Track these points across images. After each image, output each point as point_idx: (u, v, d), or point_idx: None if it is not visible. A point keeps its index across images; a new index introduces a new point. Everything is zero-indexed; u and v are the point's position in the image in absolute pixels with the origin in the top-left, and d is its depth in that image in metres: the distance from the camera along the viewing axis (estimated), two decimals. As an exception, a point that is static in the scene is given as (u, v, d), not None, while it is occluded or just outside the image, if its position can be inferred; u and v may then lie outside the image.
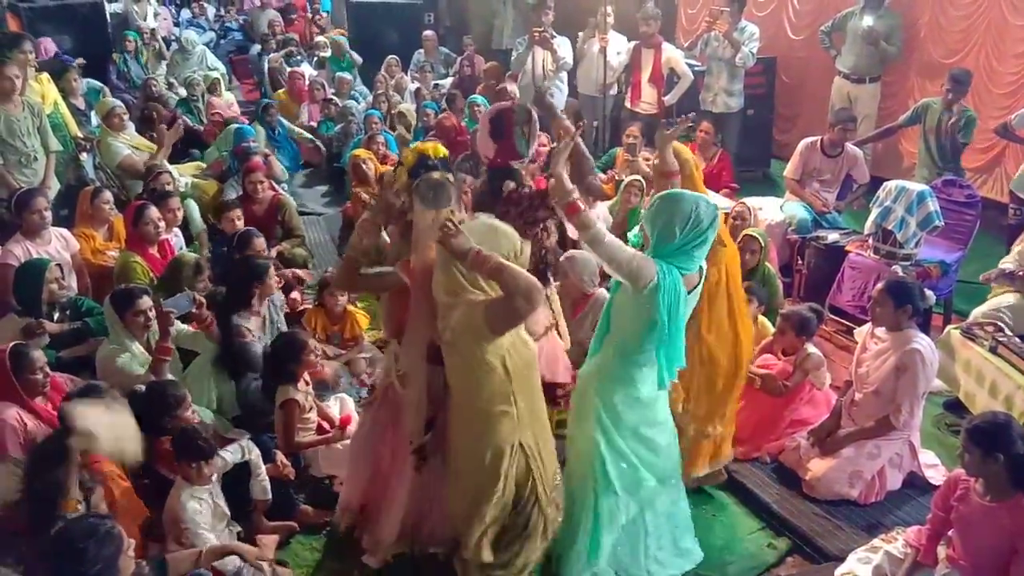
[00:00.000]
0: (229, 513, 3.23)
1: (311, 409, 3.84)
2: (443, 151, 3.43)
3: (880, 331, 3.68)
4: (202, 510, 3.07)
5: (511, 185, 3.40)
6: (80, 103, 6.61)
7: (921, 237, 4.70)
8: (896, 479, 3.67)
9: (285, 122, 7.85)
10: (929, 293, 4.29)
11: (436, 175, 2.98)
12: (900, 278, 3.87)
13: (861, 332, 3.85)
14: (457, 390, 2.80)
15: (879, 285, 3.75)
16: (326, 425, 3.90)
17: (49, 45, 7.98)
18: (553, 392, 3.41)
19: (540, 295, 2.63)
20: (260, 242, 4.70)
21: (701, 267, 2.89)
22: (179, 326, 3.70)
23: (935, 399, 4.26)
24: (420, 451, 2.98)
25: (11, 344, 3.24)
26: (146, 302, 3.73)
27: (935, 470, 3.75)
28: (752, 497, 3.70)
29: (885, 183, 4.91)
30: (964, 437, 2.77)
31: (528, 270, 2.65)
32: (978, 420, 2.82)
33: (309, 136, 7.99)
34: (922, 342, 3.57)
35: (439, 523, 3.11)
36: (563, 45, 7.01)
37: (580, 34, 7.42)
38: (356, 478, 3.33)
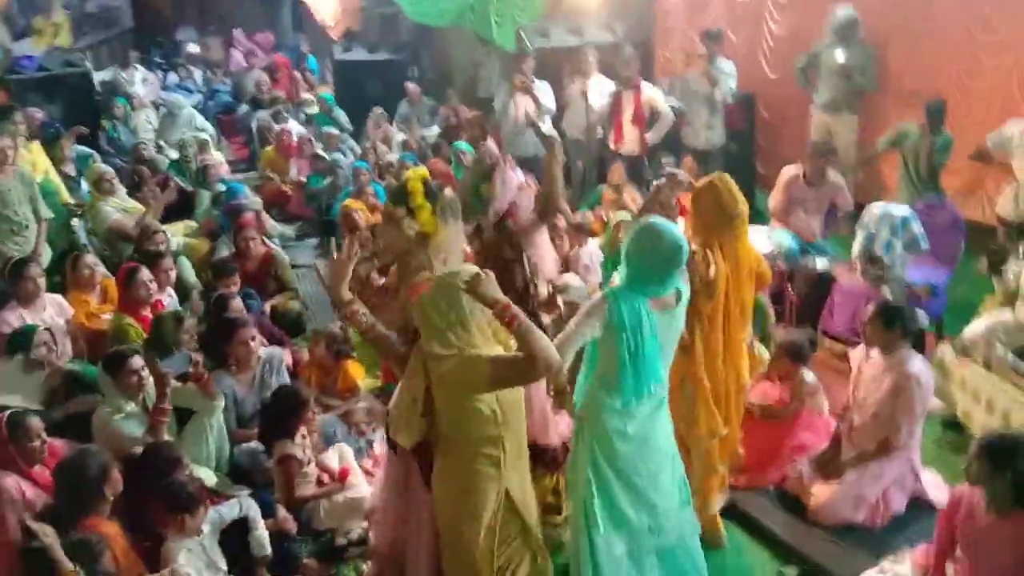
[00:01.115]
0: (225, 568, 3.20)
1: (310, 462, 3.83)
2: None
3: (874, 354, 3.70)
4: (193, 562, 3.05)
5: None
6: (71, 170, 6.69)
7: (908, 260, 4.75)
8: (900, 501, 3.67)
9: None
10: (921, 314, 4.33)
11: (448, 191, 3.00)
12: (887, 302, 3.91)
13: (855, 356, 3.87)
14: (442, 436, 2.75)
15: (870, 307, 3.79)
16: (325, 477, 3.88)
17: (36, 115, 8.08)
18: (543, 455, 3.40)
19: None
20: (237, 303, 4.71)
21: (678, 289, 2.94)
22: (175, 385, 3.70)
23: (934, 418, 4.27)
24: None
25: (8, 412, 3.24)
26: (137, 361, 3.73)
27: (938, 490, 3.74)
28: (759, 526, 3.70)
29: (869, 208, 4.99)
30: (976, 448, 2.81)
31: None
32: (993, 434, 2.89)
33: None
34: (917, 363, 3.60)
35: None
36: (544, 91, 7.15)
37: (565, 80, 7.57)
38: (384, 523, 3.25)
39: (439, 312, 2.59)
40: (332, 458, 4.02)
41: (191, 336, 4.33)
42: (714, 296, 3.32)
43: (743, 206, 3.41)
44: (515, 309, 2.50)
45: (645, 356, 2.83)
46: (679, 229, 2.97)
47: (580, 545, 2.97)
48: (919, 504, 3.70)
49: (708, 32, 7.04)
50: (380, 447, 3.94)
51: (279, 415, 3.77)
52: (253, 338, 4.17)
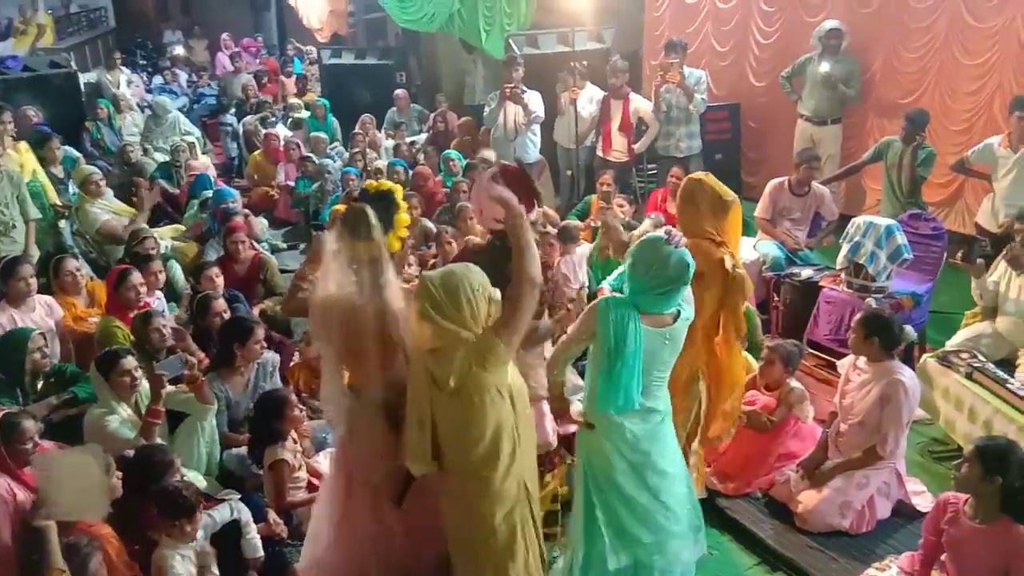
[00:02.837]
0: (217, 572, 3.19)
1: (300, 467, 3.83)
2: (387, 185, 3.17)
3: (862, 362, 3.76)
4: (186, 566, 3.04)
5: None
6: (59, 172, 6.64)
7: (891, 270, 4.83)
8: (885, 508, 3.72)
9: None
10: (909, 329, 4.39)
11: (357, 206, 2.88)
12: (875, 310, 3.97)
13: (844, 364, 3.93)
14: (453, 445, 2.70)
15: (856, 316, 3.85)
16: (316, 481, 3.88)
17: (33, 116, 8.03)
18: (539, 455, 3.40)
19: (541, 282, 2.70)
20: (219, 304, 4.71)
21: (679, 310, 2.93)
22: (169, 388, 3.69)
23: (917, 427, 4.34)
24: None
25: (2, 414, 3.22)
26: (130, 362, 3.73)
27: (922, 497, 3.81)
28: (746, 533, 3.73)
29: (853, 219, 5.07)
30: (970, 452, 2.87)
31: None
32: (988, 440, 2.96)
33: None
34: (905, 373, 3.66)
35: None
36: (534, 99, 7.20)
37: (558, 87, 7.61)
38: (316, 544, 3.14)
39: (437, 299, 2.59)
40: (323, 463, 4.03)
41: (161, 336, 4.28)
42: (747, 291, 3.38)
43: (733, 194, 3.50)
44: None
45: (623, 369, 2.81)
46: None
47: (579, 557, 3.00)
48: (904, 511, 3.76)
49: (671, 42, 7.08)
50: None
51: (265, 420, 3.77)
52: (261, 340, 4.19)
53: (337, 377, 2.91)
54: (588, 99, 7.41)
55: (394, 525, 2.92)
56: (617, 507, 2.94)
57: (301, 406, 4.04)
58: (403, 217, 3.01)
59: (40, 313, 4.51)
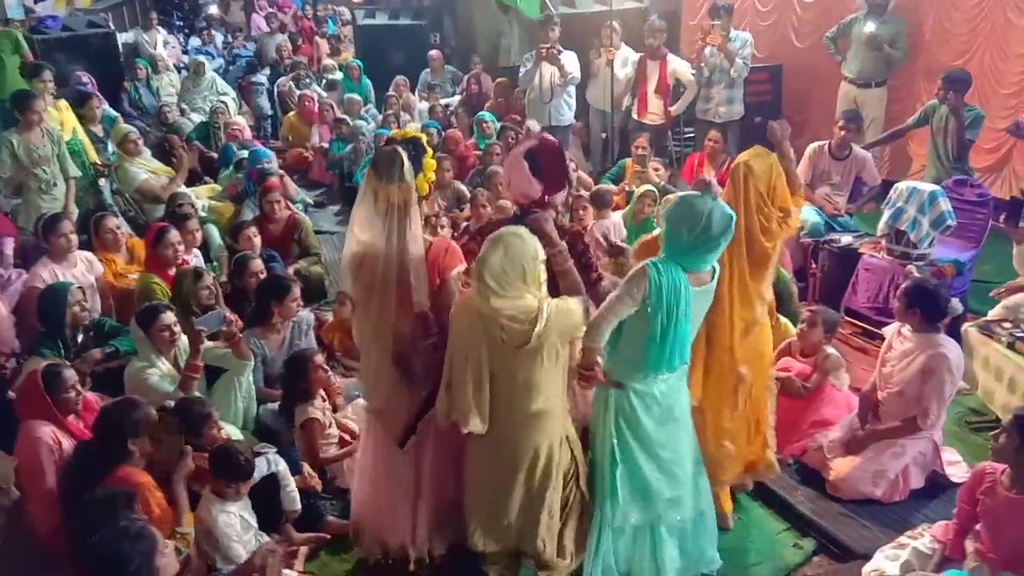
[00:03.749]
0: (256, 525, 3.27)
1: (331, 424, 3.89)
2: (412, 133, 3.17)
3: (907, 330, 3.68)
4: (233, 523, 3.12)
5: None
6: (99, 130, 6.73)
7: (934, 237, 4.72)
8: (919, 477, 3.68)
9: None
10: (956, 303, 4.24)
11: (387, 148, 2.93)
12: (921, 280, 3.82)
13: (889, 330, 3.84)
14: (514, 397, 2.79)
15: (901, 284, 3.76)
16: (347, 436, 3.94)
17: (83, 77, 8.16)
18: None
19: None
20: (256, 264, 4.77)
21: (714, 267, 2.93)
22: (207, 344, 3.76)
23: (956, 398, 4.26)
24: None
25: (44, 364, 3.31)
26: (170, 317, 3.80)
27: (957, 467, 3.76)
28: (776, 498, 3.72)
29: (896, 184, 4.95)
30: (1009, 423, 2.82)
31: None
32: None
33: None
34: (949, 346, 3.57)
35: (437, 524, 3.18)
36: (570, 60, 7.09)
37: (591, 52, 7.50)
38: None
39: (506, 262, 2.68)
40: (352, 415, 4.09)
41: (210, 293, 4.38)
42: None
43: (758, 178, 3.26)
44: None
45: (676, 333, 2.80)
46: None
47: (595, 516, 3.01)
48: (938, 481, 3.71)
49: (716, 5, 6.85)
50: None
51: (293, 379, 3.84)
52: (297, 298, 4.25)
53: (366, 323, 3.03)
54: (623, 61, 7.28)
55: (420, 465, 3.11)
56: (641, 464, 2.95)
57: (328, 367, 4.10)
58: (430, 161, 3.04)
59: (81, 269, 4.60)
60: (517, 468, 2.86)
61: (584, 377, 2.87)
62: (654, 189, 5.54)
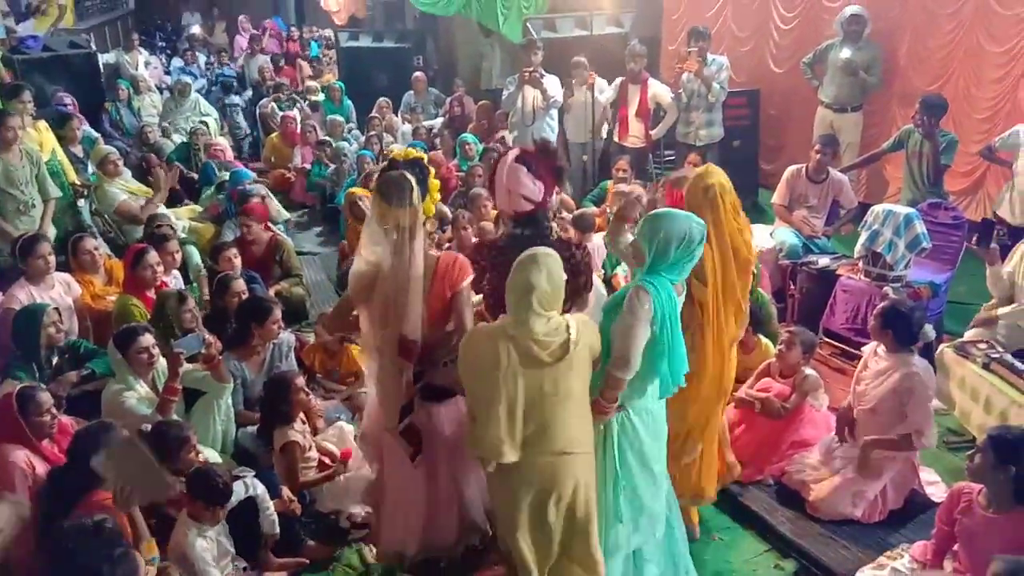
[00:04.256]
0: (233, 550, 3.23)
1: (311, 447, 3.87)
2: (414, 153, 3.19)
3: (882, 350, 3.72)
4: (209, 547, 3.08)
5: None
6: (79, 151, 6.69)
7: (910, 259, 4.79)
8: (898, 497, 3.70)
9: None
10: (929, 329, 4.31)
11: (396, 173, 2.92)
12: (897, 302, 3.85)
13: (866, 350, 3.88)
14: (550, 419, 2.72)
15: (879, 305, 3.81)
16: (327, 460, 3.92)
17: (65, 99, 8.13)
18: None
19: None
20: (238, 284, 4.73)
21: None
22: (186, 366, 3.73)
23: (934, 418, 4.31)
24: (408, 436, 3.04)
25: (19, 386, 3.26)
26: (148, 339, 3.76)
27: (935, 487, 3.79)
28: (757, 519, 3.73)
29: (872, 207, 5.02)
30: (983, 442, 2.85)
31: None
32: (1002, 429, 2.92)
33: None
34: (920, 365, 3.62)
35: (449, 528, 3.20)
36: (552, 84, 7.16)
37: (564, 90, 7.52)
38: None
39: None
40: (333, 437, 4.07)
41: (193, 316, 4.35)
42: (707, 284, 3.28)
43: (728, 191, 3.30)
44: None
45: (676, 343, 2.82)
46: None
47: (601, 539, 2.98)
48: (916, 501, 3.73)
49: (695, 30, 6.96)
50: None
51: (273, 402, 3.82)
52: (278, 320, 4.23)
53: (371, 338, 3.06)
54: (599, 90, 7.37)
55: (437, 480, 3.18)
56: (639, 482, 2.94)
57: (309, 389, 4.08)
58: (435, 182, 3.08)
59: (59, 290, 4.56)
60: (560, 496, 2.76)
61: (604, 409, 2.84)
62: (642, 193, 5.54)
